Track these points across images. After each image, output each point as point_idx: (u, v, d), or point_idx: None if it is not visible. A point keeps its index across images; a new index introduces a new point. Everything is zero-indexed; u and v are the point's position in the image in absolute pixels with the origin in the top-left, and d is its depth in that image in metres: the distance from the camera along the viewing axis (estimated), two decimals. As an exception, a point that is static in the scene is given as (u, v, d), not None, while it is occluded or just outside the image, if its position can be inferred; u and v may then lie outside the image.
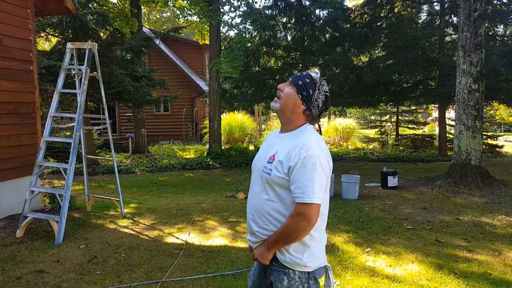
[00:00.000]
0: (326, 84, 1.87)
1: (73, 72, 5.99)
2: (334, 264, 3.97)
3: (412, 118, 19.41)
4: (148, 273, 3.80)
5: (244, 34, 12.81)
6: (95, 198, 6.29)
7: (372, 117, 20.87)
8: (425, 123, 20.93)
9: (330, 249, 4.42)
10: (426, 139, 17.17)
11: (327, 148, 1.81)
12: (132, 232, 5.09)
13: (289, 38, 14.66)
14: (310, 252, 1.79)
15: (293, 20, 14.08)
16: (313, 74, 1.83)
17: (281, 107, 1.86)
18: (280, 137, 1.88)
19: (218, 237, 4.88)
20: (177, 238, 4.86)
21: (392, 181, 7.79)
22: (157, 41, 19.34)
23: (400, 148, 16.66)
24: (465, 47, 7.66)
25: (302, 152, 1.69)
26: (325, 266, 1.86)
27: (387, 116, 19.67)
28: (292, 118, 1.85)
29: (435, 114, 21.95)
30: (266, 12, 13.59)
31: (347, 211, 6.09)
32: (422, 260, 4.10)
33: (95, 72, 5.62)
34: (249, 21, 12.75)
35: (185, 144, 18.54)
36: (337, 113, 29.98)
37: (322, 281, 1.90)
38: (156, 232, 5.11)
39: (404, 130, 18.81)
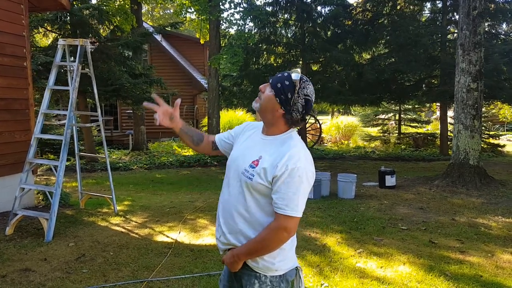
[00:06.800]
0: (309, 86, 1.71)
1: (66, 68, 5.94)
2: (324, 265, 3.92)
3: (414, 116, 19.24)
4: (135, 272, 3.76)
5: (243, 30, 12.72)
6: (88, 195, 6.25)
7: (376, 115, 20.68)
8: (428, 122, 20.75)
9: (321, 249, 4.37)
10: (428, 137, 17.00)
11: (311, 156, 1.74)
12: (123, 230, 5.05)
13: (289, 35, 14.55)
14: (282, 255, 1.75)
15: (294, 17, 13.98)
16: (293, 75, 1.68)
17: (260, 108, 1.76)
18: (265, 140, 1.78)
19: (208, 236, 4.83)
20: (167, 236, 4.82)
21: (390, 180, 7.71)
22: (159, 38, 19.28)
23: (402, 146, 16.53)
24: (464, 46, 7.56)
25: (290, 164, 1.62)
26: (296, 267, 1.82)
27: (390, 115, 19.51)
28: (273, 121, 1.75)
29: (439, 112, 21.74)
30: (267, 8, 13.51)
31: (342, 211, 6.02)
32: (413, 261, 4.04)
33: (87, 69, 5.57)
34: (249, 18, 12.65)
35: (185, 141, 18.46)
36: (341, 111, 29.74)
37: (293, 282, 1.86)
38: (146, 230, 5.07)
39: (406, 129, 18.66)
